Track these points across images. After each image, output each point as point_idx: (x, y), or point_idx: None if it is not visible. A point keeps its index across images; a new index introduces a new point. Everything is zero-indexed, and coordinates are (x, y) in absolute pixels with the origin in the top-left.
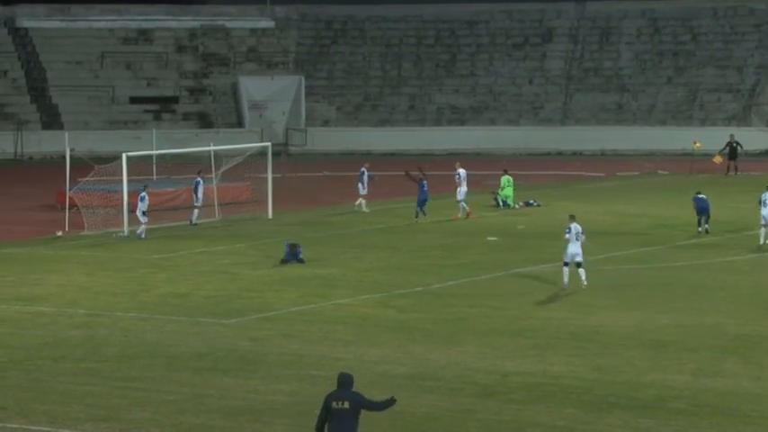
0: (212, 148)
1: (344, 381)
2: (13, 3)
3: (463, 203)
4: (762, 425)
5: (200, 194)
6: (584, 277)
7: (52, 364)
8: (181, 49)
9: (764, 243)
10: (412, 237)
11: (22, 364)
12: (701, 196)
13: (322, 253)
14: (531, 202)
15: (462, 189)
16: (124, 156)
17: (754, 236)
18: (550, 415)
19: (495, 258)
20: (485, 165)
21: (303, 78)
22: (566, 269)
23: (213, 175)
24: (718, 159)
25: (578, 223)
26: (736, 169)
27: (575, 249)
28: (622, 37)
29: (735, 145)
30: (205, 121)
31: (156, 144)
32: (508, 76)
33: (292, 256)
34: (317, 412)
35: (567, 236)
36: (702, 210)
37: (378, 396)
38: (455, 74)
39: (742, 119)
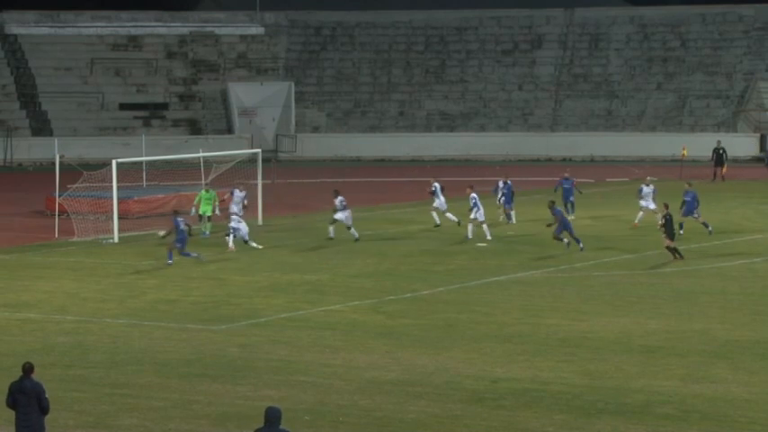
0: (202, 154)
1: (273, 416)
2: (2, 9)
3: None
4: (750, 430)
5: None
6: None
7: (40, 371)
8: (170, 55)
9: None
10: (401, 243)
11: (9, 371)
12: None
13: (311, 259)
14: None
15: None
16: (114, 162)
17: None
18: (539, 421)
19: (485, 264)
20: (474, 171)
21: (293, 84)
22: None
23: (203, 182)
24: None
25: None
26: (723, 177)
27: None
28: (611, 43)
29: (721, 152)
30: (195, 128)
31: (146, 150)
32: (498, 82)
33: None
34: None
35: None
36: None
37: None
38: (445, 80)
39: (731, 125)
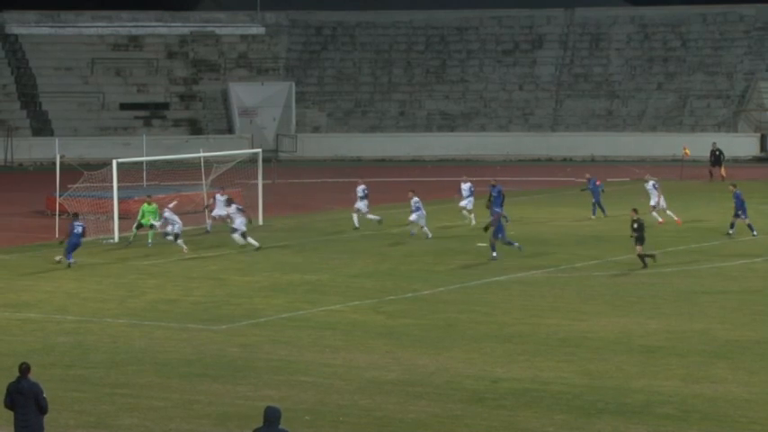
0: (202, 154)
1: (272, 416)
2: (3, 9)
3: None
4: (751, 430)
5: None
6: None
7: (41, 371)
8: (171, 55)
9: None
10: (401, 243)
11: (10, 371)
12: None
13: (311, 259)
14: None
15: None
16: (114, 162)
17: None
18: (540, 421)
19: (485, 264)
20: (475, 171)
21: (293, 84)
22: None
23: (203, 182)
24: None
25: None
26: (722, 177)
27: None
28: (612, 43)
29: (717, 153)
30: (195, 128)
31: (147, 150)
32: (498, 82)
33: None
34: None
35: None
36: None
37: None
38: (445, 80)
39: (731, 125)
